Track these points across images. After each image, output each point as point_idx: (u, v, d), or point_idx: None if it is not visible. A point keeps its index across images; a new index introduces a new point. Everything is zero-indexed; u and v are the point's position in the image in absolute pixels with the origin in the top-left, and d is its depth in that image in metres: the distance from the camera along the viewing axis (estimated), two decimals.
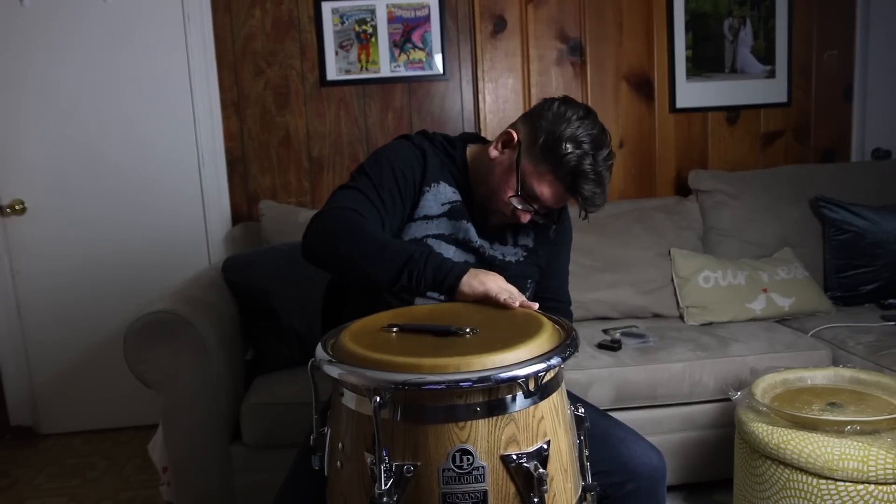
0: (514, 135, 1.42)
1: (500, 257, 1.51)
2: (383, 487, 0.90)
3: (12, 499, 2.53)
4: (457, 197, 1.48)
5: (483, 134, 2.98)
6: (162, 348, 1.93)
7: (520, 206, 1.41)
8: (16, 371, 3.01)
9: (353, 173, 1.44)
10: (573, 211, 1.47)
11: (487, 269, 1.42)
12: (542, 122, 1.38)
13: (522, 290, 1.34)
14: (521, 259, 1.53)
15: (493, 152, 1.45)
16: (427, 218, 1.44)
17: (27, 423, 3.06)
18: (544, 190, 1.38)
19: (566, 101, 1.40)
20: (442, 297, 1.29)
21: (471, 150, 1.54)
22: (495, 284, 1.20)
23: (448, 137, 1.55)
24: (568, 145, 1.34)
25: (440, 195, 1.46)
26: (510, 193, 1.40)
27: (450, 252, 1.45)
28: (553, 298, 1.61)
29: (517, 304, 1.17)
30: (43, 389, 3.04)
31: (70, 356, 3.02)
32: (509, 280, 1.25)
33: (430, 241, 1.44)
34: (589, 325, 2.49)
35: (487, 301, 1.18)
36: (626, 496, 1.36)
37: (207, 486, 2.04)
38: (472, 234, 1.47)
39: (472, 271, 1.22)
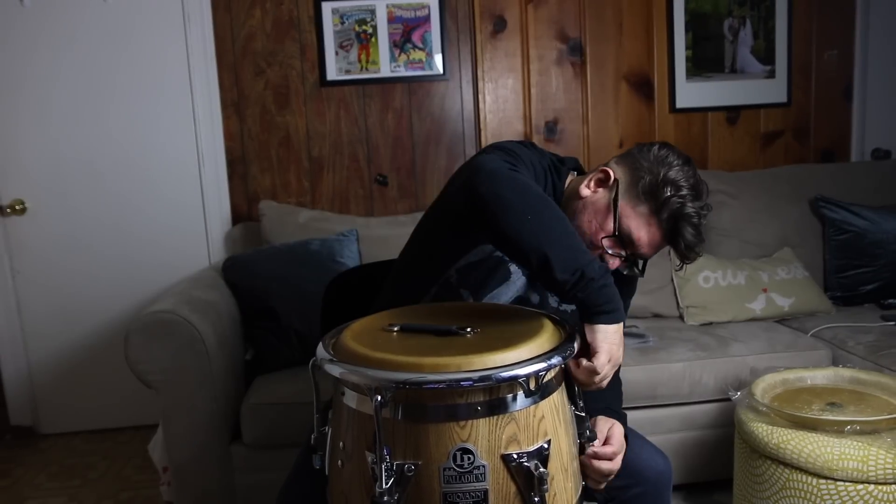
0: (611, 174, 1.32)
1: (556, 305, 1.42)
2: (384, 486, 0.90)
3: (12, 499, 2.53)
4: None
5: (483, 134, 2.99)
6: (162, 348, 1.93)
7: (611, 251, 1.31)
8: (16, 371, 3.01)
9: (503, 147, 1.31)
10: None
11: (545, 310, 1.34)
12: (642, 162, 1.31)
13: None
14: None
15: (585, 190, 1.34)
16: None
17: (27, 422, 3.06)
18: (642, 234, 1.29)
19: (666, 145, 1.34)
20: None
21: (570, 180, 1.43)
22: (614, 357, 1.08)
23: (560, 160, 1.44)
24: (670, 189, 1.27)
25: None
26: (603, 235, 1.30)
27: (519, 284, 1.38)
28: None
29: (592, 382, 1.07)
30: (43, 389, 3.04)
31: (70, 356, 3.02)
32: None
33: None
34: None
35: (592, 358, 1.06)
36: (632, 500, 1.36)
37: (207, 486, 2.04)
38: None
39: (619, 328, 1.09)
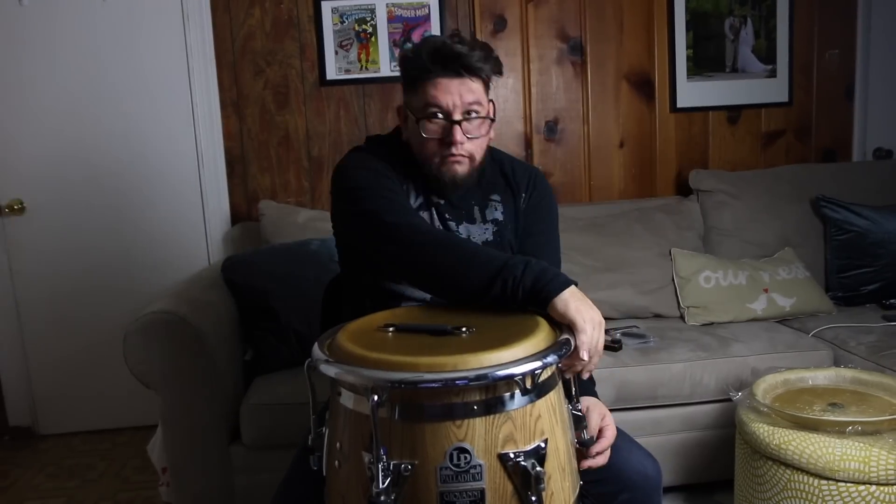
0: (401, 106, 1.44)
1: (467, 236, 1.45)
2: (381, 486, 0.89)
3: (11, 499, 2.53)
4: (421, 199, 1.44)
5: None
6: (162, 348, 1.92)
7: (441, 135, 1.35)
8: (15, 371, 3.01)
9: (351, 191, 1.36)
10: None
11: None
12: (400, 68, 1.42)
13: None
14: (491, 238, 1.46)
15: (403, 132, 1.46)
16: None
17: (26, 423, 3.06)
18: (426, 90, 1.34)
19: None
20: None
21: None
22: (594, 318, 1.09)
23: (381, 136, 1.53)
24: (412, 54, 1.37)
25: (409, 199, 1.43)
26: (418, 125, 1.36)
27: None
28: None
29: (579, 367, 1.08)
30: (42, 390, 3.04)
31: (69, 356, 3.02)
32: None
33: None
34: None
35: (572, 330, 1.07)
36: None
37: (207, 487, 2.03)
38: (436, 219, 1.43)
39: (574, 291, 1.11)
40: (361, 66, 2.92)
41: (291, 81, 2.92)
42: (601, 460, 1.23)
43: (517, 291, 1.11)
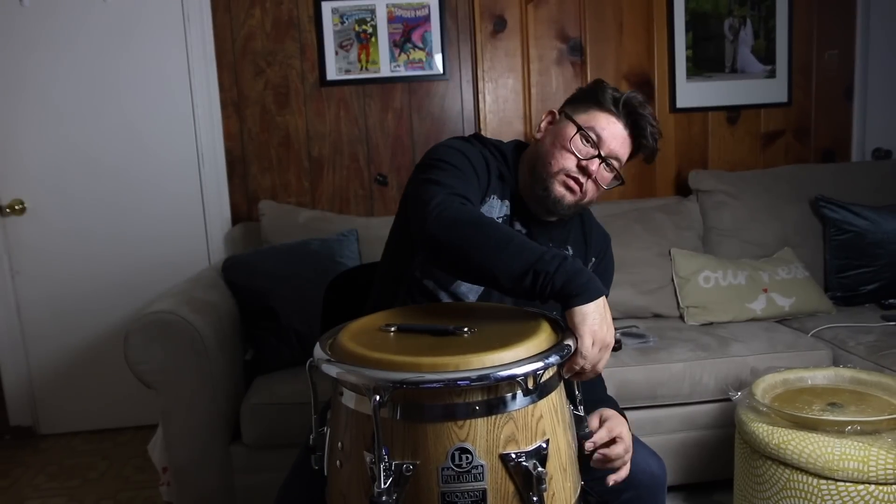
0: (554, 111, 1.44)
1: None
2: (383, 486, 0.89)
3: (12, 499, 2.53)
4: (507, 210, 1.42)
5: (483, 134, 2.98)
6: (162, 348, 1.93)
7: (583, 156, 1.35)
8: (16, 371, 3.01)
9: (434, 163, 1.33)
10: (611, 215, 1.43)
11: None
12: (577, 93, 1.45)
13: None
14: None
15: (539, 134, 1.45)
16: None
17: (27, 423, 3.06)
18: (604, 125, 1.37)
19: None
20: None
21: (522, 157, 1.49)
22: (596, 343, 1.05)
23: (501, 143, 1.51)
24: (600, 87, 1.40)
25: (494, 209, 1.41)
26: (570, 137, 1.36)
27: None
28: None
29: (575, 369, 1.05)
30: (43, 389, 3.04)
31: (70, 356, 3.02)
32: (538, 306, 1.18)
33: None
34: None
35: (578, 339, 1.04)
36: None
37: (207, 486, 2.04)
38: None
39: (599, 306, 1.06)
40: (362, 66, 2.92)
41: (292, 82, 2.92)
42: (623, 473, 1.24)
43: (546, 288, 1.06)
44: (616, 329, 2.46)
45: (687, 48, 3.06)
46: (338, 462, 1.00)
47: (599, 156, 1.36)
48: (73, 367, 3.03)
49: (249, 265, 2.36)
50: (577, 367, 1.04)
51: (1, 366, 3.01)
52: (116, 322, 2.96)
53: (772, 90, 3.14)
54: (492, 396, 0.92)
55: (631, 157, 1.43)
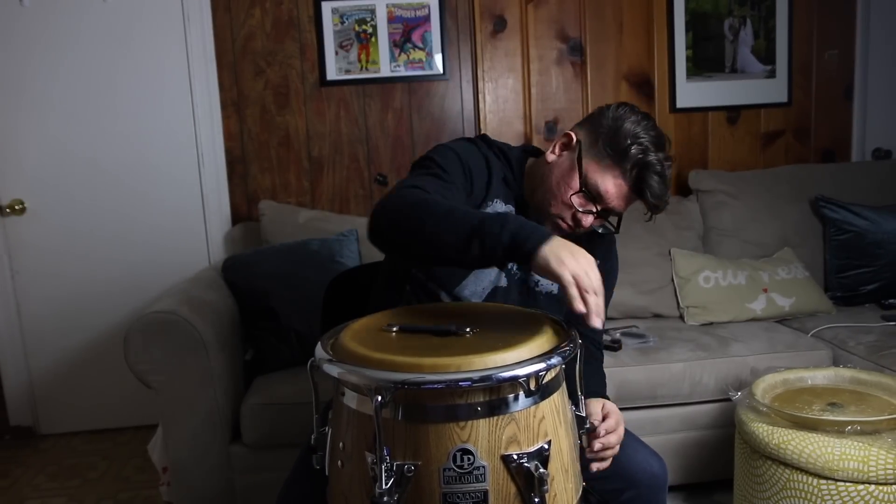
0: (573, 136, 1.37)
1: (537, 287, 1.43)
2: (384, 487, 0.89)
3: (12, 499, 2.53)
4: (500, 197, 1.41)
5: (483, 132, 2.98)
6: (162, 348, 1.93)
7: (581, 209, 1.33)
8: (16, 371, 3.01)
9: (420, 161, 1.35)
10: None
11: (525, 296, 1.37)
12: (602, 120, 1.35)
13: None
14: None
15: (551, 156, 1.39)
16: None
17: (27, 423, 3.06)
18: (609, 186, 1.32)
19: (625, 104, 1.38)
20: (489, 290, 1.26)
21: (530, 161, 1.48)
22: (578, 268, 1.01)
23: (509, 147, 1.49)
24: (630, 140, 1.30)
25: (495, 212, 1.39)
26: (572, 192, 1.33)
27: (492, 274, 1.39)
28: (585, 333, 1.51)
29: (584, 308, 1.01)
30: (43, 389, 3.04)
31: (70, 356, 3.02)
32: (544, 308, 1.19)
33: None
34: None
35: (560, 285, 1.02)
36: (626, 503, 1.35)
37: (207, 486, 2.04)
38: None
39: (557, 241, 1.04)
40: (361, 66, 2.92)
41: (292, 82, 2.92)
42: (607, 463, 1.24)
43: (496, 249, 1.04)
44: (616, 329, 2.47)
45: (687, 48, 3.06)
46: (339, 462, 1.00)
47: (596, 210, 1.35)
48: (73, 367, 3.02)
49: (249, 265, 2.36)
50: (577, 307, 1.01)
51: (1, 366, 3.00)
52: (116, 322, 2.96)
53: (772, 90, 3.14)
54: (494, 397, 0.92)
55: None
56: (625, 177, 1.31)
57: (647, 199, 1.32)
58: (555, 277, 1.01)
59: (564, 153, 1.38)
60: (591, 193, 1.33)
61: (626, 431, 1.41)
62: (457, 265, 1.12)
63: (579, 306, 1.01)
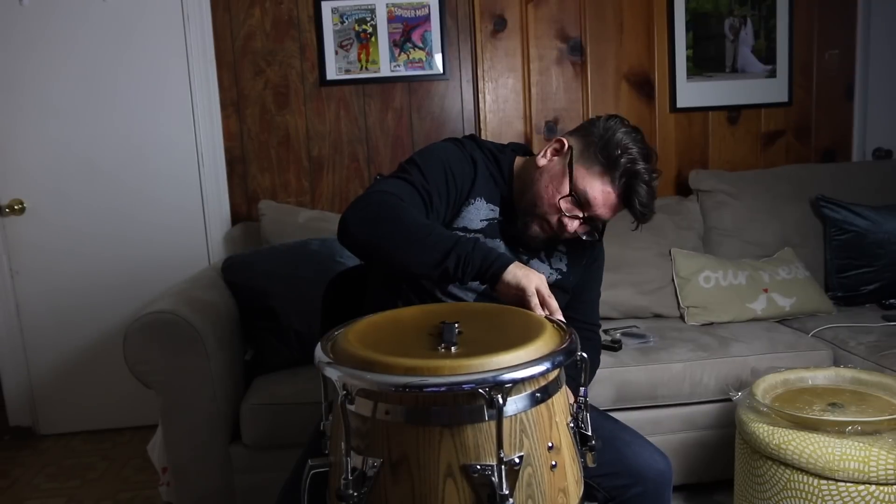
0: (565, 142, 1.42)
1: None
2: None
3: (11, 499, 2.53)
4: (495, 214, 1.45)
5: (483, 133, 2.98)
6: (162, 348, 1.92)
7: (568, 214, 1.39)
8: (15, 371, 3.01)
9: (403, 164, 1.41)
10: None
11: None
12: (593, 130, 1.41)
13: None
14: (553, 283, 1.49)
15: (542, 160, 1.43)
16: (465, 230, 1.42)
17: (26, 423, 3.06)
18: (597, 193, 1.37)
19: (616, 116, 1.44)
20: (481, 288, 1.30)
21: (518, 161, 1.52)
22: (538, 282, 1.17)
23: (498, 146, 1.53)
24: (620, 150, 1.36)
25: (481, 211, 1.43)
26: (560, 196, 1.38)
27: None
28: (582, 321, 1.58)
29: (543, 313, 1.14)
30: (42, 390, 3.04)
31: (69, 356, 3.02)
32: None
33: None
34: None
35: (521, 299, 1.16)
36: (631, 500, 1.36)
37: (207, 487, 2.03)
38: (501, 244, 1.45)
39: (518, 264, 1.19)
40: (361, 66, 2.92)
41: (291, 81, 2.92)
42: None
43: (467, 267, 1.18)
44: (616, 329, 2.48)
45: (687, 48, 3.06)
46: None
47: (582, 216, 1.40)
48: (73, 367, 3.02)
49: (249, 265, 2.36)
50: (538, 312, 1.15)
51: (1, 366, 3.00)
52: (116, 322, 2.96)
53: (772, 90, 3.13)
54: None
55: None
56: (614, 184, 1.37)
57: (635, 207, 1.38)
58: (521, 290, 1.16)
59: (555, 158, 1.43)
60: (578, 199, 1.38)
61: (631, 430, 1.45)
62: (420, 279, 1.23)
63: (542, 310, 1.15)
